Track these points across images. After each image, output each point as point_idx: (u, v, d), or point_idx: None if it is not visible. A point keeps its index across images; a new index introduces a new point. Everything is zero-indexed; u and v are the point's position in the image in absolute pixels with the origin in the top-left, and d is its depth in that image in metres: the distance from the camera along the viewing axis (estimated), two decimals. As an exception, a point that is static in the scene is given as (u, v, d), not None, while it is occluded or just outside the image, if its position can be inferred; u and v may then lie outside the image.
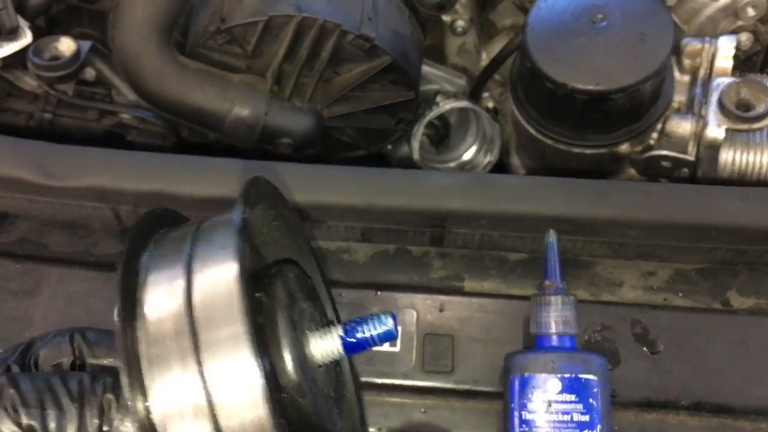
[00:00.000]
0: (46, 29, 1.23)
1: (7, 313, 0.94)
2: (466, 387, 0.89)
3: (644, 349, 0.89)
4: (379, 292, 0.93)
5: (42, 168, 0.94)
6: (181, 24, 1.12)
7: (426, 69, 1.28)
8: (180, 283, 0.63)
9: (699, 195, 0.94)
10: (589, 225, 0.91)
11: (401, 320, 0.91)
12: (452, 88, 1.31)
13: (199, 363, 0.59)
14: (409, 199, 0.93)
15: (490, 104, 1.36)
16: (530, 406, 0.79)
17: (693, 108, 1.08)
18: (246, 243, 0.64)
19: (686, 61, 1.10)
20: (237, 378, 0.58)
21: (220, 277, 0.62)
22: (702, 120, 1.06)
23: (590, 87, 1.02)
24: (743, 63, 1.23)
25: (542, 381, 0.79)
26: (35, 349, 0.72)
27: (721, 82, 1.06)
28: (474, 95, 1.31)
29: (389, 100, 1.18)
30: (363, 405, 0.85)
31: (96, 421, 0.64)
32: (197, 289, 0.62)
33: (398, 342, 0.90)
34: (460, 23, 1.31)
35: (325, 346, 0.69)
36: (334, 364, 0.77)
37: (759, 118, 1.02)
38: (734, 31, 1.19)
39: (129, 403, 0.59)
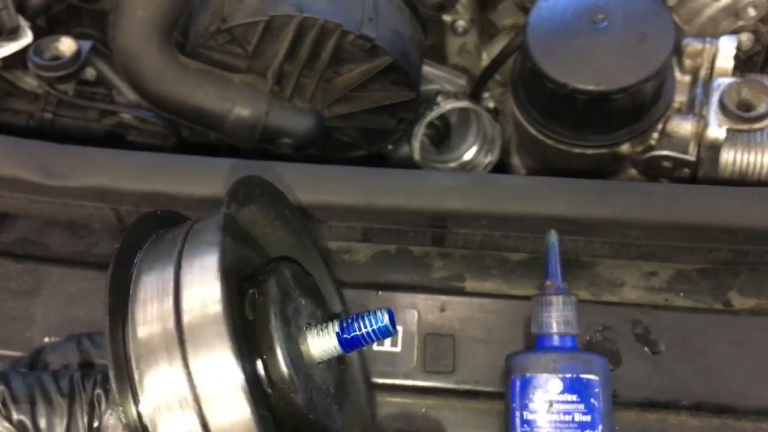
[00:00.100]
0: (46, 29, 1.23)
1: (8, 312, 0.94)
2: (467, 387, 0.89)
3: (645, 349, 0.89)
4: (380, 292, 0.93)
5: (42, 168, 0.94)
6: (182, 24, 1.12)
7: (427, 69, 1.28)
8: (169, 280, 0.64)
9: (700, 195, 0.94)
10: (590, 225, 0.91)
11: (402, 320, 0.91)
12: (453, 88, 1.31)
13: (185, 358, 0.60)
14: (410, 199, 0.93)
15: (491, 104, 1.36)
16: (531, 406, 0.79)
17: (694, 108, 1.09)
18: (228, 237, 0.65)
19: (687, 62, 1.11)
20: (218, 373, 0.59)
21: (202, 273, 0.63)
22: (703, 120, 1.06)
23: (591, 87, 1.02)
24: (744, 63, 1.23)
25: (543, 381, 0.79)
26: (44, 355, 0.73)
27: (722, 82, 1.06)
28: (475, 95, 1.31)
29: (390, 100, 1.18)
30: (374, 404, 0.85)
31: (86, 416, 0.65)
32: (183, 284, 0.63)
33: (399, 342, 0.90)
34: (461, 23, 1.31)
35: (322, 342, 0.70)
36: (339, 362, 0.77)
37: (760, 118, 1.02)
38: (735, 32, 1.19)
39: (117, 396, 0.61)
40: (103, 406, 0.66)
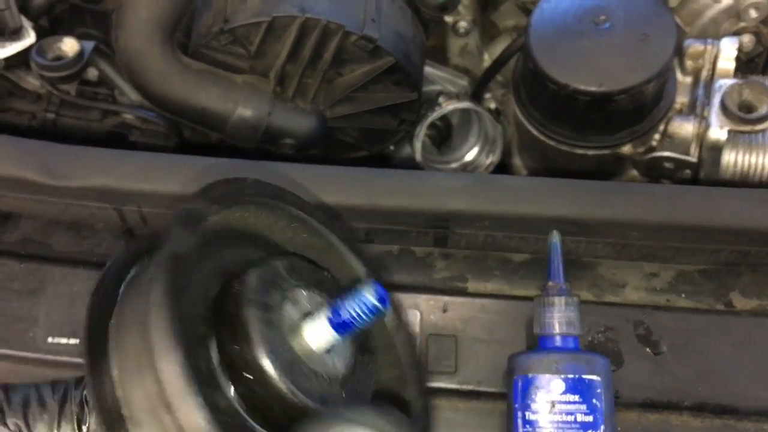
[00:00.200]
0: (49, 29, 1.23)
1: (11, 312, 0.94)
2: (470, 387, 0.89)
3: (647, 350, 0.89)
4: (382, 293, 0.93)
5: (45, 168, 0.94)
6: (185, 24, 1.12)
7: (428, 70, 1.28)
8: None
9: (701, 196, 0.94)
10: (591, 226, 0.92)
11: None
12: (454, 89, 1.31)
13: (151, 357, 0.61)
14: (412, 199, 0.93)
15: (493, 105, 1.36)
16: (534, 406, 0.79)
17: (695, 109, 1.09)
18: (181, 227, 0.67)
19: (689, 63, 1.11)
20: (168, 370, 0.60)
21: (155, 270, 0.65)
22: (704, 121, 1.06)
23: (593, 88, 1.02)
24: (745, 65, 1.23)
25: (546, 381, 0.79)
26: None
27: (724, 83, 1.06)
28: (476, 96, 1.31)
29: (392, 100, 1.18)
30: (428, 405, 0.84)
31: (75, 416, 0.70)
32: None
33: (401, 342, 0.90)
34: (463, 24, 1.31)
35: (316, 329, 0.70)
36: (363, 352, 0.77)
37: (761, 119, 1.02)
38: (736, 33, 1.19)
39: (85, 392, 0.66)
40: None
